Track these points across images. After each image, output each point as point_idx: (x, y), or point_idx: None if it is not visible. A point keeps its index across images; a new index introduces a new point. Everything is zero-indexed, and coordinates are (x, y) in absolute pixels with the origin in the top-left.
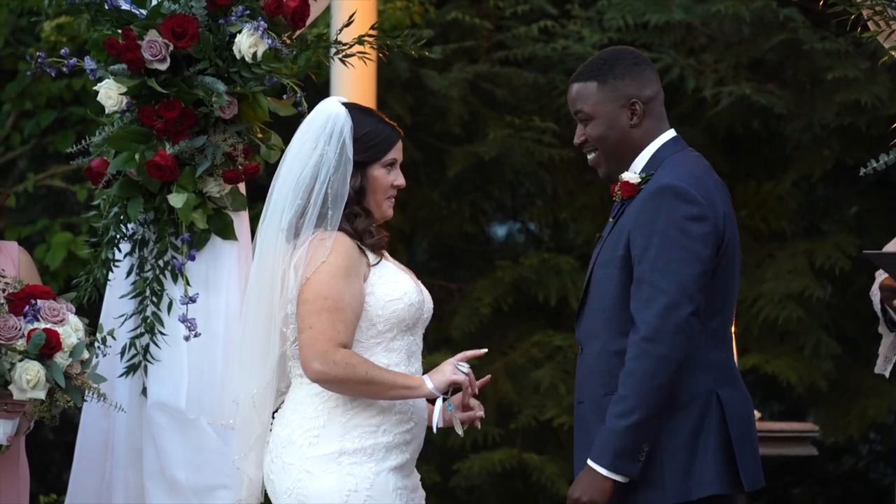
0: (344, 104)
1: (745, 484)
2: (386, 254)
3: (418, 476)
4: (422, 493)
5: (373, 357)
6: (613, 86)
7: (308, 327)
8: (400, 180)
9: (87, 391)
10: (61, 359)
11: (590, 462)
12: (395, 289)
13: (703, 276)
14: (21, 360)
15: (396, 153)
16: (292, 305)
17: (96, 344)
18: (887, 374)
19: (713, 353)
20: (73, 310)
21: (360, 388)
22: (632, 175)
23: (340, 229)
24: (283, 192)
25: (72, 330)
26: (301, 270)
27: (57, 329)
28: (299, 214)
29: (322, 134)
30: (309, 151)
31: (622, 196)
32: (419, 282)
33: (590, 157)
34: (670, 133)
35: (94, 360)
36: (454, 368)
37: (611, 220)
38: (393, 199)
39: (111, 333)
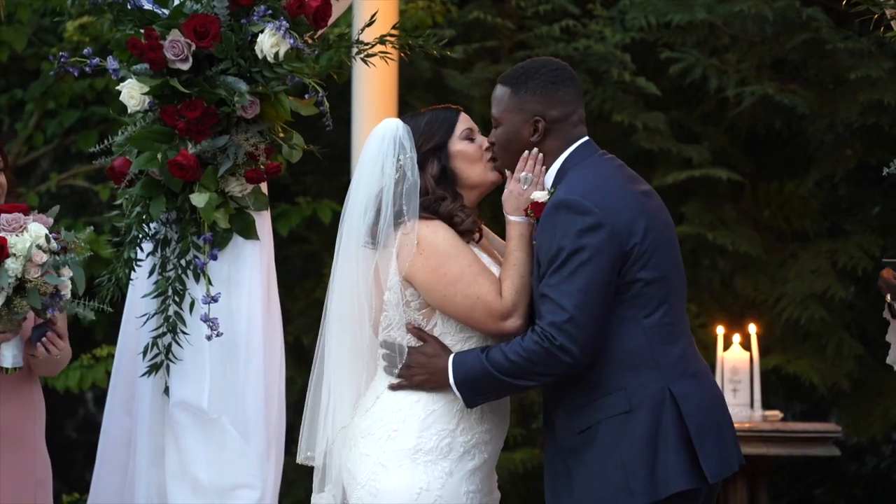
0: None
1: (710, 476)
2: (486, 239)
3: (496, 477)
4: (497, 496)
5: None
6: (522, 98)
7: (476, 297)
8: (486, 142)
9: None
10: (12, 264)
11: (450, 370)
12: None
13: (603, 284)
14: None
15: (465, 122)
16: (390, 293)
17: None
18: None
19: (660, 350)
20: (50, 223)
21: None
22: (540, 194)
23: (428, 217)
24: (354, 214)
25: (30, 238)
26: (401, 256)
27: (10, 237)
28: (374, 222)
29: (381, 147)
30: (371, 167)
31: (535, 217)
32: None
33: (496, 165)
34: (579, 141)
35: (47, 259)
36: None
37: (534, 242)
38: (491, 162)
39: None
